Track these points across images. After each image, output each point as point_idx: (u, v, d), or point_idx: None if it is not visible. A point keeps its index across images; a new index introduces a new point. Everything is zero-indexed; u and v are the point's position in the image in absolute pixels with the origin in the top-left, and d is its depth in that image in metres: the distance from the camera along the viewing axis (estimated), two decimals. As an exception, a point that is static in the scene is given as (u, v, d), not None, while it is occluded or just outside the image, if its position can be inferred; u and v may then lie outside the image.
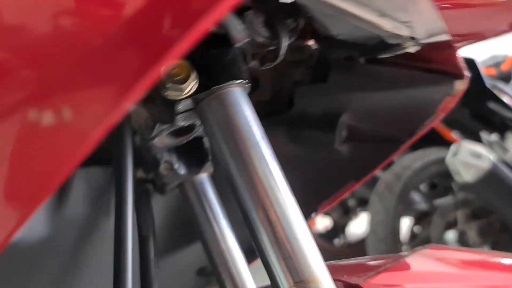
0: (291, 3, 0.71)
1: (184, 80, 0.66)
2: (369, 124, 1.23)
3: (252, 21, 0.76)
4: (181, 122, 0.75)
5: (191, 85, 0.67)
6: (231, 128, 0.69)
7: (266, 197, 0.67)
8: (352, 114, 1.23)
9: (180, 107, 0.70)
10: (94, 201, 1.07)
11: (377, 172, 1.83)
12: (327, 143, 1.25)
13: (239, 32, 0.68)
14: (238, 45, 0.70)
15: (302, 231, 0.66)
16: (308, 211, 1.31)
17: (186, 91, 0.67)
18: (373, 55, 0.98)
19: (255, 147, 0.69)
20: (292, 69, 1.40)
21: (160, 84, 0.67)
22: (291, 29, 0.82)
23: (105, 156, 1.13)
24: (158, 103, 0.70)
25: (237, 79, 0.70)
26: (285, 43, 0.78)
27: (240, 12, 0.71)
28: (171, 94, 0.67)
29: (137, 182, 1.11)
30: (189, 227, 1.19)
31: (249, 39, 0.70)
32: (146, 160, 1.07)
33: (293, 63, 1.39)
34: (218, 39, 0.69)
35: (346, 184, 1.27)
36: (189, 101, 0.69)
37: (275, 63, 0.80)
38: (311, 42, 1.35)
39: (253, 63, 0.80)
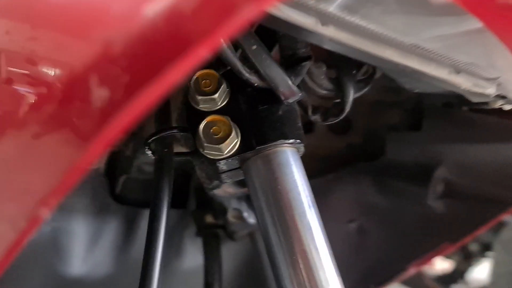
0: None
1: (223, 139, 0.60)
2: (470, 180, 1.07)
3: (312, 71, 0.69)
4: (228, 179, 0.69)
5: (231, 145, 0.61)
6: (276, 194, 0.62)
7: (306, 274, 0.59)
8: (449, 167, 1.08)
9: (223, 166, 0.64)
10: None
11: (505, 217, 1.60)
12: (419, 197, 1.11)
13: (287, 87, 0.60)
14: (289, 101, 0.63)
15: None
16: (393, 268, 1.17)
17: (226, 151, 0.61)
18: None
19: (301, 218, 0.61)
20: (388, 111, 1.28)
21: (198, 142, 0.62)
22: (360, 79, 0.73)
23: (177, 198, 1.12)
24: (204, 160, 0.65)
25: (288, 138, 0.63)
26: (351, 96, 0.69)
27: (297, 62, 0.63)
28: (210, 153, 0.62)
29: (207, 227, 1.07)
30: (257, 273, 1.13)
31: (300, 95, 0.62)
32: (214, 205, 1.03)
33: (389, 104, 1.27)
34: (269, 94, 0.63)
35: (439, 245, 1.12)
36: (234, 160, 0.63)
37: (340, 117, 0.71)
38: (408, 83, 1.22)
39: (315, 118, 0.72)
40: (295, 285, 0.59)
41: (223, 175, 0.67)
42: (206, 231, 1.06)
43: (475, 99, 0.60)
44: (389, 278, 1.19)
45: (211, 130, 0.61)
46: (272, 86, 0.60)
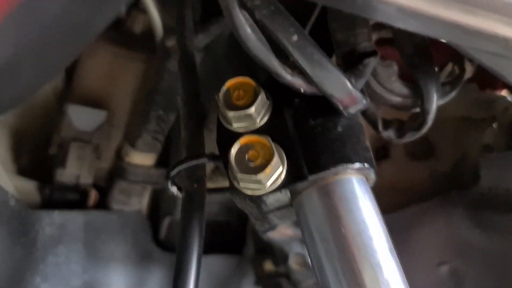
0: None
1: (263, 166, 0.45)
2: None
3: (379, 73, 0.52)
4: (278, 220, 0.54)
5: (275, 174, 0.46)
6: (339, 239, 0.45)
7: None
8: None
9: (267, 203, 0.49)
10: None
11: None
12: (529, 233, 0.89)
13: (346, 92, 0.44)
14: (350, 112, 0.47)
15: None
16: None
17: (268, 183, 0.46)
18: None
19: (375, 271, 0.44)
20: (480, 129, 1.08)
21: (231, 173, 0.46)
22: (444, 82, 0.55)
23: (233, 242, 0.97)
24: (245, 197, 0.49)
25: (352, 162, 0.46)
26: (434, 102, 0.52)
27: (358, 60, 0.47)
28: (247, 188, 0.47)
29: (267, 276, 0.91)
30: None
31: (365, 102, 0.46)
32: (274, 250, 0.87)
33: (481, 120, 1.07)
34: (323, 105, 0.47)
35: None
36: (281, 195, 0.48)
37: (422, 132, 0.53)
38: (504, 92, 1.02)
39: (387, 134, 0.55)
40: None
41: (271, 216, 0.52)
42: (267, 280, 0.90)
43: None
44: (496, 335, 0.96)
45: (247, 156, 0.46)
46: (324, 92, 0.44)
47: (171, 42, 0.77)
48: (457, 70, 0.57)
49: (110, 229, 0.82)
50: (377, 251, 0.45)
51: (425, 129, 0.53)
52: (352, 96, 0.45)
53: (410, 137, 0.54)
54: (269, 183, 0.46)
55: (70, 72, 0.87)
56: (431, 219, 1.03)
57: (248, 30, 0.40)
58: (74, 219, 0.76)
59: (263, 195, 0.46)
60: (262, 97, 0.48)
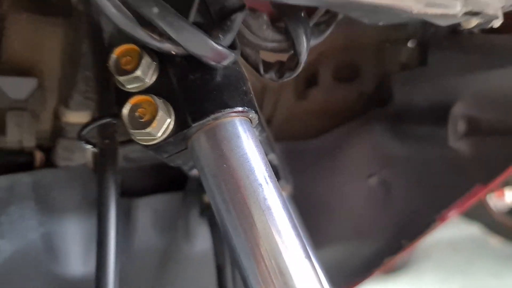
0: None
1: (150, 121, 0.53)
2: (494, 112, 0.93)
3: (250, 24, 0.59)
4: (183, 165, 0.62)
5: (163, 126, 0.53)
6: (224, 174, 0.54)
7: (268, 263, 0.51)
8: (467, 102, 0.94)
9: (166, 149, 0.57)
10: (166, 229, 1.00)
11: None
12: (439, 139, 0.99)
13: (211, 50, 0.51)
14: (224, 65, 0.54)
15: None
16: (424, 220, 1.07)
17: (158, 134, 0.53)
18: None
19: (256, 197, 0.53)
20: (398, 49, 1.15)
21: (128, 130, 0.54)
22: (320, 22, 0.62)
23: (168, 182, 1.06)
24: (145, 147, 0.57)
25: (230, 107, 0.54)
26: (304, 44, 0.59)
27: (225, 16, 0.54)
28: (142, 140, 0.54)
29: (208, 207, 1.01)
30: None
31: (233, 55, 0.53)
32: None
33: (397, 41, 1.14)
34: (200, 61, 0.54)
35: (470, 189, 1.00)
36: (173, 142, 0.56)
37: (297, 71, 0.61)
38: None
39: (269, 76, 0.62)
40: (260, 280, 0.51)
41: (175, 159, 0.60)
42: (209, 211, 1.00)
43: (442, 22, 0.49)
44: (421, 231, 1.09)
45: (136, 114, 0.53)
46: (191, 52, 0.51)
47: (81, 5, 0.81)
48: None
49: (59, 184, 0.90)
50: (256, 179, 0.53)
51: (299, 69, 0.60)
52: (218, 52, 0.52)
53: (288, 77, 0.61)
54: (159, 134, 0.53)
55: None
56: (357, 137, 1.12)
57: (113, 9, 0.46)
58: (21, 180, 0.84)
59: (157, 143, 0.54)
60: (146, 60, 0.54)
